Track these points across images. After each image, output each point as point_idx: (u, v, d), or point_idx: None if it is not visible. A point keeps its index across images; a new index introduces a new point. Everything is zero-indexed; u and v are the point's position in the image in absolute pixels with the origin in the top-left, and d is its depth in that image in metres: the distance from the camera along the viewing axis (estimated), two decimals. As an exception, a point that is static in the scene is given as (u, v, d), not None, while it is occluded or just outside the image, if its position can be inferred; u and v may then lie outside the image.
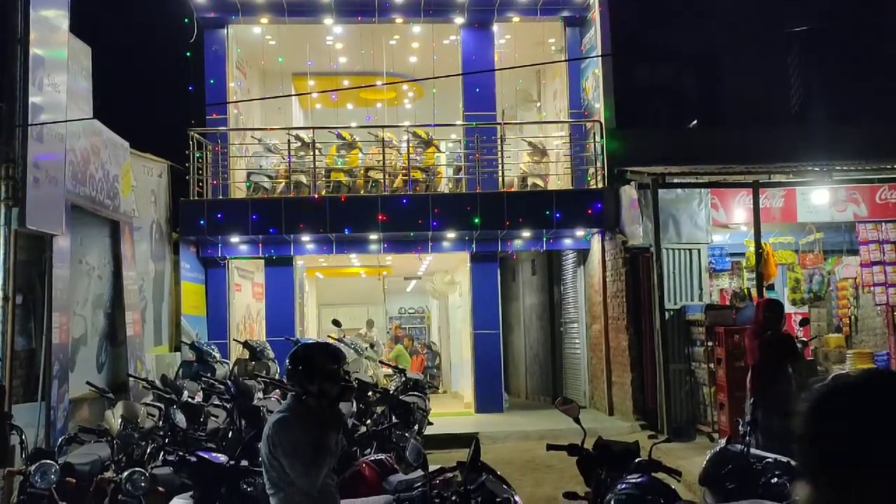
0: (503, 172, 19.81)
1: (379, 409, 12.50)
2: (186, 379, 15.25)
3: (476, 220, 18.81)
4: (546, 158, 20.49)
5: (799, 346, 12.97)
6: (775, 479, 7.12)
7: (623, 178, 18.01)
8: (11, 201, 11.73)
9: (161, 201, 19.01)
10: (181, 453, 7.63)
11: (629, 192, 17.54)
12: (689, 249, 17.29)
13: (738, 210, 17.37)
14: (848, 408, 1.79)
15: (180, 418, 11.59)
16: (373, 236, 19.54)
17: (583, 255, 20.83)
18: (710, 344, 15.82)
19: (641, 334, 17.86)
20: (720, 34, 19.87)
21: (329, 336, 18.91)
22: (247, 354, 17.26)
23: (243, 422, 11.05)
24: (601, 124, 19.12)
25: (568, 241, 20.55)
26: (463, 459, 6.70)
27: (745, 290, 17.97)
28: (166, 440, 10.55)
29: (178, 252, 19.23)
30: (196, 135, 19.20)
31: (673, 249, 17.10)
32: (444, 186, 21.05)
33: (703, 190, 17.11)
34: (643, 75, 21.43)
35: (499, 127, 20.42)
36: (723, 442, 8.52)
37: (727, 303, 17.86)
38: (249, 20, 21.03)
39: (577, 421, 7.40)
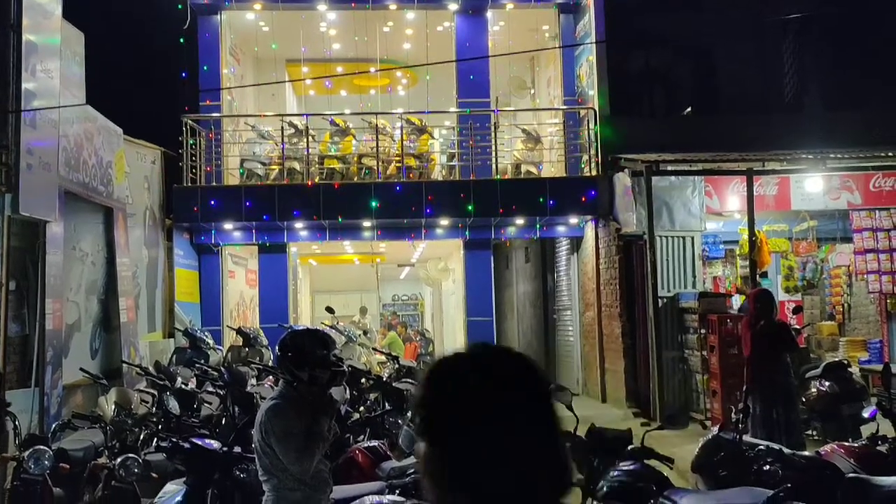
0: (497, 160, 19.79)
1: (372, 396, 12.53)
2: (180, 365, 15.26)
3: (469, 208, 18.80)
4: (540, 146, 20.48)
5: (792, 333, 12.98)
6: (767, 467, 7.14)
7: (617, 166, 18.01)
8: (4, 187, 11.70)
9: (154, 188, 18.98)
10: (174, 440, 7.64)
11: (623, 180, 17.54)
12: (683, 237, 17.30)
13: (732, 198, 17.39)
14: (447, 378, 1.97)
15: (174, 405, 11.61)
16: (366, 223, 19.53)
17: (576, 243, 20.82)
18: (703, 331, 15.83)
19: (635, 322, 17.87)
20: (715, 21, 19.85)
21: (322, 323, 18.90)
22: (240, 341, 17.27)
23: (236, 408, 11.06)
24: (595, 111, 19.09)
25: (561, 229, 20.55)
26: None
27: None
28: (160, 426, 10.58)
29: (171, 239, 19.19)
30: (189, 121, 19.17)
31: (666, 237, 17.11)
32: (438, 173, 21.04)
33: (696, 177, 17.12)
34: (637, 62, 21.39)
35: (492, 114, 20.42)
36: (715, 429, 8.54)
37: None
38: (243, 6, 20.98)
39: (570, 408, 7.41)
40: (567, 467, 1.97)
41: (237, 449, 7.33)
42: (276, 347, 5.78)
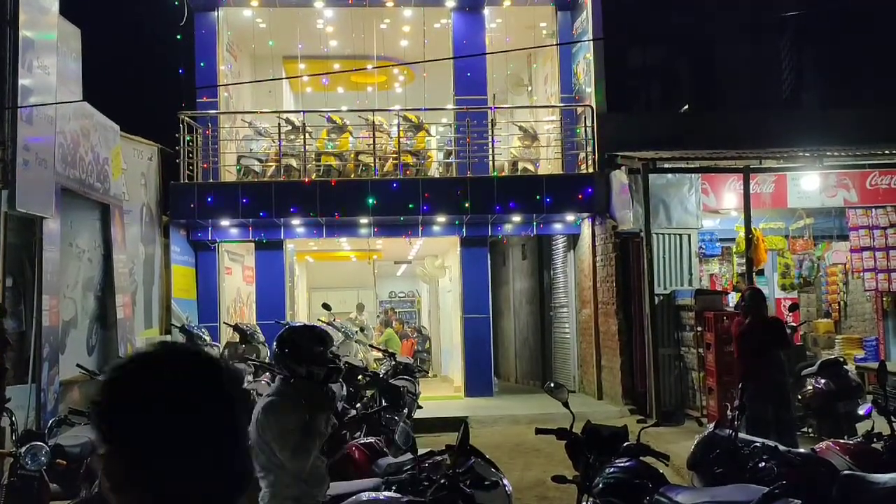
0: (494, 157, 19.82)
1: (369, 393, 12.53)
2: (176, 362, 15.24)
3: (466, 205, 18.81)
4: (537, 143, 20.49)
5: (788, 331, 12.99)
6: (763, 464, 7.16)
7: (614, 163, 18.02)
8: (1, 184, 11.70)
9: (151, 184, 18.96)
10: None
11: (620, 177, 17.56)
12: (679, 234, 17.31)
13: (729, 195, 17.42)
14: (124, 380, 1.96)
15: (170, 401, 11.58)
16: (363, 220, 19.53)
17: (573, 240, 20.85)
18: (699, 329, 15.86)
19: (631, 319, 17.90)
20: (712, 18, 19.87)
21: (319, 319, 18.93)
22: (237, 338, 17.27)
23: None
24: (592, 109, 19.11)
25: (558, 226, 20.56)
26: (452, 443, 6.72)
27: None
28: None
29: (168, 235, 19.20)
30: (186, 118, 19.15)
31: (663, 234, 17.13)
32: (435, 171, 21.06)
33: (693, 175, 17.14)
34: (635, 59, 21.41)
35: (489, 111, 20.43)
36: (711, 426, 8.56)
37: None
38: (240, 3, 20.97)
39: (566, 405, 7.43)
40: (247, 467, 2.02)
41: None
42: (274, 343, 5.79)
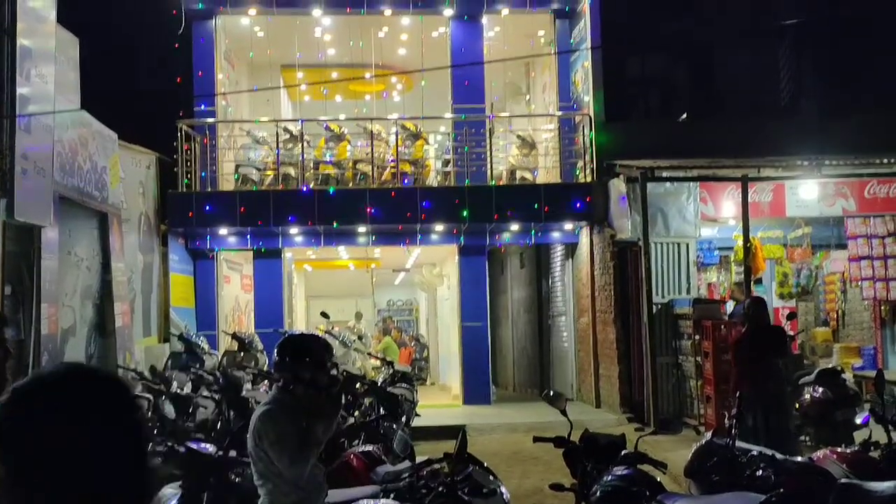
0: (492, 165, 19.82)
1: (367, 401, 12.52)
2: (175, 370, 15.26)
3: (464, 213, 18.83)
4: (535, 152, 20.48)
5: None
6: (760, 472, 7.16)
7: (612, 172, 18.02)
8: (-1, 192, 11.72)
9: (149, 193, 18.98)
10: (170, 444, 7.64)
11: (618, 186, 17.56)
12: (678, 243, 17.32)
13: (727, 204, 17.40)
14: (19, 402, 1.91)
15: (169, 409, 11.62)
16: (361, 229, 19.53)
17: (571, 249, 20.85)
18: (697, 337, 15.87)
19: (629, 327, 17.90)
20: (711, 27, 19.90)
21: (317, 328, 18.92)
22: (235, 346, 17.25)
23: (232, 413, 11.07)
24: (590, 117, 19.12)
25: (556, 235, 20.57)
26: (450, 451, 6.72)
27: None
28: (155, 431, 10.58)
29: (166, 244, 19.21)
30: (184, 126, 19.17)
31: (661, 243, 17.14)
32: (433, 179, 21.05)
33: (691, 184, 17.15)
34: (633, 68, 21.45)
35: (487, 120, 20.44)
36: (709, 435, 8.56)
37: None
38: (237, 11, 20.92)
39: (564, 413, 7.43)
40: (145, 486, 1.98)
41: (232, 453, 7.34)
42: (277, 348, 5.79)
